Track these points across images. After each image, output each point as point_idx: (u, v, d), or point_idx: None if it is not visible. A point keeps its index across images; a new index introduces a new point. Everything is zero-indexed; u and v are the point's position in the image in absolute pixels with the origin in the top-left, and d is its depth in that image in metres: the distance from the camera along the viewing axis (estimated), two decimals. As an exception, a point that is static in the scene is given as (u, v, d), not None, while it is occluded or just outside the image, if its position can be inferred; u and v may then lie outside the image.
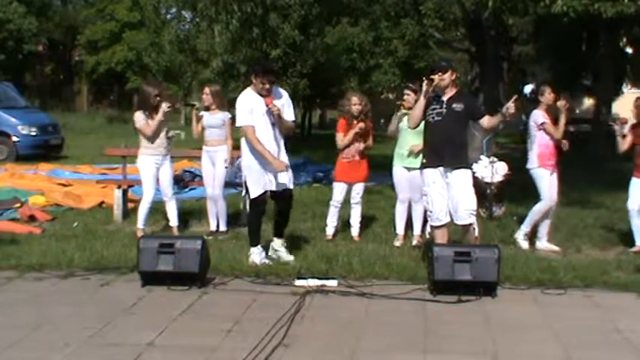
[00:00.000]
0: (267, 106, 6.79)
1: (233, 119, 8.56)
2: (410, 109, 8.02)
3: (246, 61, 21.73)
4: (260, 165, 6.86)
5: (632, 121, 8.13)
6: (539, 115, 7.83)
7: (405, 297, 5.96)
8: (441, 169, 6.68)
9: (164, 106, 8.09)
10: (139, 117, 8.14)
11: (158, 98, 8.14)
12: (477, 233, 6.79)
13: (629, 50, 25.06)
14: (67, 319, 5.34)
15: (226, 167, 8.56)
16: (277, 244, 7.18)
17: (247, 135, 6.85)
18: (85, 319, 5.31)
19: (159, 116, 8.08)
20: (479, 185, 9.67)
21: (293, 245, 7.66)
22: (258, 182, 6.89)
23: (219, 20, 19.71)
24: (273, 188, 6.93)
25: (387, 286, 6.23)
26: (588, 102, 31.05)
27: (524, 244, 7.90)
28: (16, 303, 5.75)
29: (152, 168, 8.20)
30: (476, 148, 9.29)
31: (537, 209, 7.88)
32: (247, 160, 6.95)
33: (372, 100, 30.42)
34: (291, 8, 21.37)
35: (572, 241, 8.31)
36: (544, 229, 7.99)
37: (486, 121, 6.82)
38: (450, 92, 6.75)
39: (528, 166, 7.91)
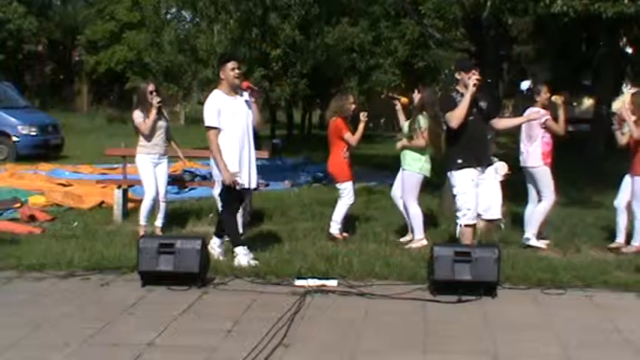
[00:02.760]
0: (247, 88, 6.86)
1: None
2: (409, 104, 8.16)
3: (245, 61, 21.71)
4: (237, 164, 6.84)
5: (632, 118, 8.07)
6: (541, 113, 7.82)
7: (405, 297, 5.96)
8: (479, 168, 6.74)
9: (154, 102, 8.14)
10: (137, 115, 8.23)
11: (154, 94, 8.19)
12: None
13: (629, 50, 25.04)
14: (67, 319, 5.34)
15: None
16: (216, 242, 7.05)
17: (210, 137, 6.81)
18: (85, 319, 5.31)
19: (153, 113, 8.14)
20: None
21: (293, 245, 7.66)
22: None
23: (218, 20, 19.74)
24: (247, 186, 6.95)
25: (387, 286, 6.23)
26: (588, 102, 31.03)
27: (540, 243, 7.87)
28: (16, 303, 5.75)
29: (150, 166, 8.27)
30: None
31: (543, 209, 7.85)
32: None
33: (372, 100, 30.31)
34: (291, 8, 21.37)
35: (572, 241, 8.30)
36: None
37: (498, 122, 6.94)
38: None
39: (530, 164, 7.85)
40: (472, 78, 6.57)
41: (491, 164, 6.87)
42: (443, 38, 14.86)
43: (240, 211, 7.26)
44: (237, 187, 6.83)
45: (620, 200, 7.93)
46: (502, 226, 8.04)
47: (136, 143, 8.37)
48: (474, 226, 6.79)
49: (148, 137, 8.20)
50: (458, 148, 6.78)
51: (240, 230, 7.20)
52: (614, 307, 5.80)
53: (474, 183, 6.71)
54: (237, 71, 6.84)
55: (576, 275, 6.56)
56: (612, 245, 7.94)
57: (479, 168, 6.74)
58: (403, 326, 5.26)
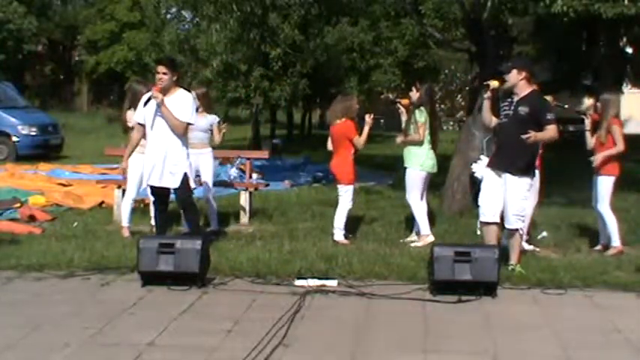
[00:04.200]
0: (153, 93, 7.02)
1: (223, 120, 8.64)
2: (410, 104, 8.14)
3: (245, 60, 21.72)
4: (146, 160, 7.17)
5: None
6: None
7: (405, 297, 5.96)
8: (498, 171, 6.68)
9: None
10: (131, 116, 8.19)
11: None
12: (524, 240, 6.96)
13: (629, 50, 25.01)
14: (67, 319, 5.34)
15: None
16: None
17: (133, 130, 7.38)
18: (85, 319, 5.31)
19: None
20: (479, 185, 9.69)
21: (293, 245, 7.66)
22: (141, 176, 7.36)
23: (218, 20, 19.73)
24: (149, 183, 7.21)
25: (387, 286, 6.22)
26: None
27: (528, 247, 7.81)
28: (16, 303, 5.75)
29: (138, 166, 8.24)
30: (475, 148, 9.29)
31: (527, 213, 7.79)
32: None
33: (372, 100, 30.32)
34: (291, 8, 21.36)
35: (572, 241, 8.30)
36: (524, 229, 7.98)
37: (547, 132, 6.50)
38: (521, 93, 6.56)
39: None
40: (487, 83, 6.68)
41: (516, 174, 6.56)
42: (443, 38, 14.87)
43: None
44: (149, 183, 7.19)
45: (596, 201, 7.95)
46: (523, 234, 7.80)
47: None
48: (490, 224, 6.73)
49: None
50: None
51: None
52: (614, 307, 5.79)
53: (490, 184, 6.72)
54: (160, 75, 7.04)
55: (576, 275, 6.55)
56: (612, 251, 7.89)
57: (494, 169, 6.71)
58: (403, 326, 5.27)
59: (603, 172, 7.74)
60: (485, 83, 6.71)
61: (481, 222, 6.83)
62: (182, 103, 7.09)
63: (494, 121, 6.87)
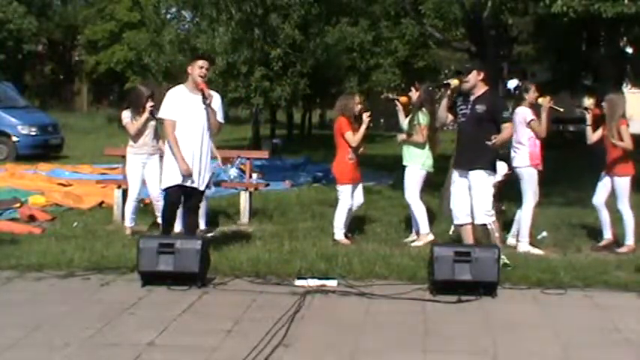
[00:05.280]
0: (202, 90, 6.82)
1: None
2: (409, 103, 8.17)
3: (246, 61, 21.72)
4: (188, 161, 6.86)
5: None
6: (527, 112, 7.71)
7: (405, 297, 5.96)
8: (458, 170, 6.79)
9: (147, 105, 8.16)
10: (125, 115, 8.30)
11: (150, 100, 8.20)
12: (497, 233, 6.90)
13: (629, 50, 25.03)
14: (67, 319, 5.34)
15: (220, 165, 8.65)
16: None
17: (166, 129, 6.92)
18: (85, 319, 5.31)
19: (144, 116, 8.18)
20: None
21: (293, 245, 7.65)
22: (172, 175, 6.88)
23: (219, 20, 19.74)
24: (195, 185, 6.93)
25: (387, 286, 6.23)
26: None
27: (536, 250, 7.74)
28: (16, 303, 5.75)
29: (138, 166, 8.29)
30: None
31: (528, 214, 7.73)
32: (168, 151, 6.97)
33: (372, 100, 30.47)
34: (291, 8, 21.36)
35: (572, 241, 8.30)
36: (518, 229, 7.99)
37: (505, 132, 6.63)
38: (477, 92, 6.73)
39: (517, 164, 7.74)
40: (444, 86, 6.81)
41: (478, 169, 6.66)
42: (443, 38, 14.86)
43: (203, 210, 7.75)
44: (187, 183, 6.86)
45: (598, 198, 8.01)
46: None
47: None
48: (465, 226, 6.81)
49: (135, 138, 8.24)
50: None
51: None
52: (614, 307, 5.80)
53: (456, 184, 6.87)
54: (204, 71, 6.92)
55: (576, 275, 6.55)
56: (602, 243, 7.96)
57: (458, 169, 6.86)
58: (403, 326, 5.26)
59: (619, 172, 7.80)
60: (445, 82, 6.84)
61: (455, 225, 6.90)
62: (215, 103, 7.01)
63: (449, 118, 7.03)
